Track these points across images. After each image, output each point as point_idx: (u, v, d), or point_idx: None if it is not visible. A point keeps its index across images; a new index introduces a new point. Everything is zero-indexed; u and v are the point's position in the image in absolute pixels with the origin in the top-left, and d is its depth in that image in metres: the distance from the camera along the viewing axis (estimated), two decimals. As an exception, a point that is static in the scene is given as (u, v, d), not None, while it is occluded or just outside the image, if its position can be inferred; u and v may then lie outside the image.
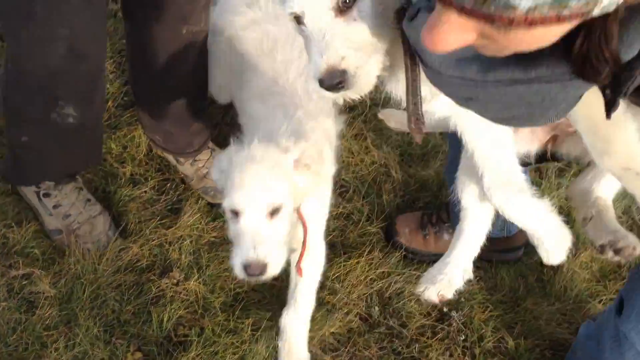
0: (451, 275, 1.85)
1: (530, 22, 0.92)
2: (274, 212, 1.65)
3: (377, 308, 2.19)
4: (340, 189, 2.54)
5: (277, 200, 1.65)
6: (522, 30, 0.94)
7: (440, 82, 1.30)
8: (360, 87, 1.37)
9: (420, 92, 1.39)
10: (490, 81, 1.16)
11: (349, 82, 1.34)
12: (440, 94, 1.37)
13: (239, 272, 1.65)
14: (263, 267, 1.62)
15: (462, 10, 0.94)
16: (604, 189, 1.74)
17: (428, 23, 1.03)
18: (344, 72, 1.33)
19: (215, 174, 1.78)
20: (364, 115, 2.77)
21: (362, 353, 2.10)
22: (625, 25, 1.04)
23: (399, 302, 2.21)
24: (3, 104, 2.17)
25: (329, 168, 1.95)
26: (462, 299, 2.20)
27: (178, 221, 2.36)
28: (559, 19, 0.92)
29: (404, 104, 1.45)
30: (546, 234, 1.63)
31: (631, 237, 1.62)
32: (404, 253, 2.36)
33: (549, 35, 0.99)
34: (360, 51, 1.34)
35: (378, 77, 1.39)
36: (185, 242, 2.29)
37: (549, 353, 2.16)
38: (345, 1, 1.33)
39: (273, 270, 1.66)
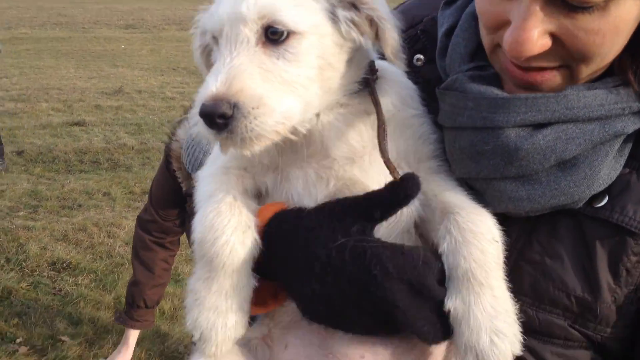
0: None
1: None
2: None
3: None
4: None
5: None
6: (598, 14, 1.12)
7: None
8: (252, 138, 1.10)
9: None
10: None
11: (236, 123, 1.08)
12: None
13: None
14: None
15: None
16: None
17: (512, 26, 1.17)
18: (234, 106, 1.08)
19: None
20: None
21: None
22: None
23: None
24: None
25: None
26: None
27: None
28: None
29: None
30: None
31: None
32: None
33: (625, 21, 1.16)
34: (275, 94, 1.12)
35: (280, 134, 1.16)
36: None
37: None
38: (275, 32, 1.15)
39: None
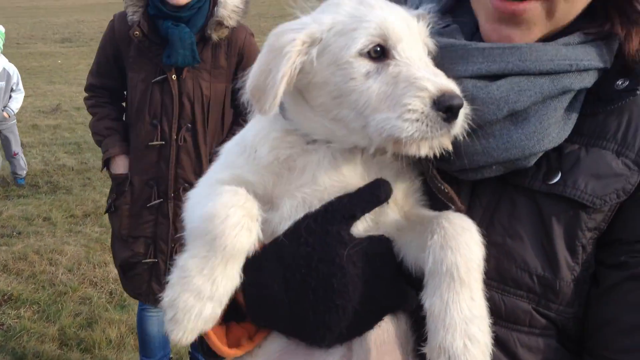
0: None
1: None
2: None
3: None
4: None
5: None
6: None
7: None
8: (457, 133, 1.25)
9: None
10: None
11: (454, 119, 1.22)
12: None
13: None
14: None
15: None
16: None
17: None
18: (460, 99, 1.22)
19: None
20: None
21: None
22: None
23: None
24: None
25: None
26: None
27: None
28: None
29: None
30: None
31: None
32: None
33: None
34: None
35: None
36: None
37: None
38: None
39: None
